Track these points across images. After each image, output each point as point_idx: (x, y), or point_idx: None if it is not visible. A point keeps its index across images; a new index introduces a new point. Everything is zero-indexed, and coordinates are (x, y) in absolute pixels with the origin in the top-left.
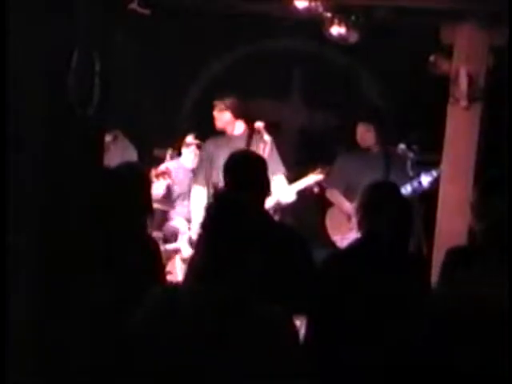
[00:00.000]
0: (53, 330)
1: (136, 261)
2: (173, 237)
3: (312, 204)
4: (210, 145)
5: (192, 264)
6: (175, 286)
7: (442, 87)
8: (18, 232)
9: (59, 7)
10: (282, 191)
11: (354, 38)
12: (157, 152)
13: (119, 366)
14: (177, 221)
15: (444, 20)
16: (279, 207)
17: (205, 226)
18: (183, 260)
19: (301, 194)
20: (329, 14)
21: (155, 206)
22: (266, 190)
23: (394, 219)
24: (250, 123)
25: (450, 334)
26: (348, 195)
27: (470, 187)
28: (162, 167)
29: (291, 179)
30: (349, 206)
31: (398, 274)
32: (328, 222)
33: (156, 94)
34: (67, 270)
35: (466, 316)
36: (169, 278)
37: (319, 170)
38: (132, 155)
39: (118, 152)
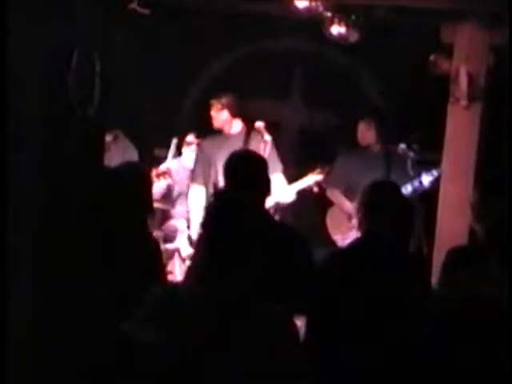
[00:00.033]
0: (53, 329)
1: (136, 260)
2: (173, 236)
3: (312, 203)
4: (207, 144)
5: (193, 263)
6: (176, 286)
7: (443, 87)
8: (18, 232)
9: (59, 7)
10: (281, 191)
11: (354, 37)
12: (157, 152)
13: (119, 366)
14: (177, 220)
15: (444, 19)
16: (279, 207)
17: (205, 225)
18: (182, 259)
19: (301, 193)
20: (329, 14)
21: (156, 205)
22: (266, 189)
23: (395, 219)
24: (247, 122)
25: (450, 334)
26: (348, 195)
27: (471, 187)
28: (163, 167)
29: (291, 179)
30: (349, 206)
31: (398, 273)
32: (329, 222)
33: (156, 94)
34: (67, 269)
35: (466, 316)
36: (169, 277)
37: (319, 170)
38: (133, 155)
39: (119, 152)
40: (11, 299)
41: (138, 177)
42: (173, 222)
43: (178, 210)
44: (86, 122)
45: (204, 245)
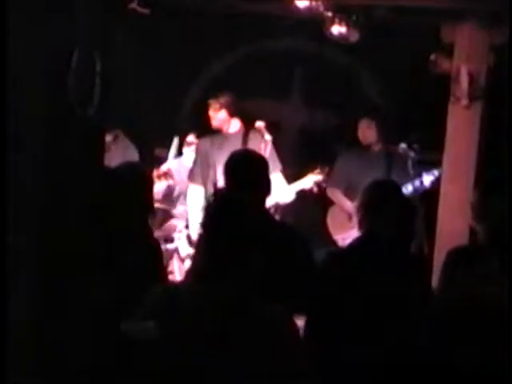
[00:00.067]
0: (53, 329)
1: (137, 260)
2: (174, 236)
3: (313, 203)
4: (205, 143)
5: (193, 263)
6: (176, 286)
7: (443, 86)
8: (18, 232)
9: (59, 7)
10: (280, 191)
11: (354, 37)
12: (158, 152)
13: (119, 366)
14: (177, 220)
15: (444, 19)
16: (278, 207)
17: (206, 225)
18: (181, 259)
19: (301, 193)
20: (329, 14)
21: (156, 205)
22: (267, 189)
23: (395, 219)
24: (247, 121)
25: (450, 334)
26: (349, 194)
27: (471, 186)
28: (164, 168)
29: (291, 179)
30: (350, 205)
31: (399, 273)
32: (329, 221)
33: (156, 94)
34: (67, 269)
35: (466, 316)
36: (170, 277)
37: (318, 170)
38: (133, 155)
39: (119, 152)
40: (11, 299)
41: (139, 177)
42: (173, 222)
43: (178, 210)
44: (86, 122)
45: (204, 245)
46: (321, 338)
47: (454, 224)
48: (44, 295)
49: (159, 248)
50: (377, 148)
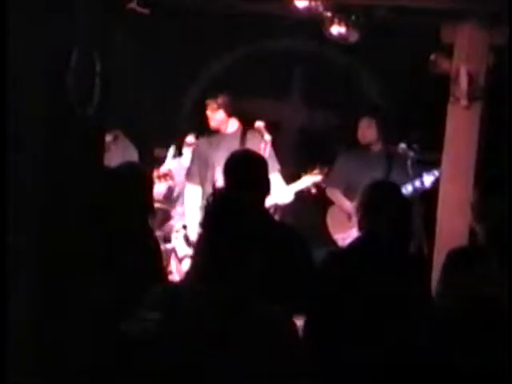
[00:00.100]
0: (53, 329)
1: (137, 260)
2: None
3: (312, 203)
4: (203, 143)
5: (193, 263)
6: (176, 286)
7: (443, 86)
8: (18, 232)
9: (59, 7)
10: (279, 192)
11: (354, 37)
12: (157, 152)
13: (119, 366)
14: (176, 220)
15: (444, 19)
16: (277, 207)
17: (205, 225)
18: (179, 260)
19: (300, 193)
20: (329, 14)
21: (156, 205)
22: (266, 189)
23: (394, 219)
24: (246, 121)
25: (450, 334)
26: (348, 194)
27: (471, 186)
28: (164, 169)
29: (291, 179)
30: (349, 205)
31: (398, 273)
32: (329, 221)
33: (156, 94)
34: (67, 269)
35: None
36: (169, 277)
37: (317, 171)
38: (133, 155)
39: (119, 152)
40: (11, 299)
41: (139, 177)
42: (173, 223)
43: (176, 210)
44: (86, 121)
45: (204, 245)
46: (320, 338)
47: (453, 224)
48: (44, 295)
49: (159, 248)
50: (376, 148)
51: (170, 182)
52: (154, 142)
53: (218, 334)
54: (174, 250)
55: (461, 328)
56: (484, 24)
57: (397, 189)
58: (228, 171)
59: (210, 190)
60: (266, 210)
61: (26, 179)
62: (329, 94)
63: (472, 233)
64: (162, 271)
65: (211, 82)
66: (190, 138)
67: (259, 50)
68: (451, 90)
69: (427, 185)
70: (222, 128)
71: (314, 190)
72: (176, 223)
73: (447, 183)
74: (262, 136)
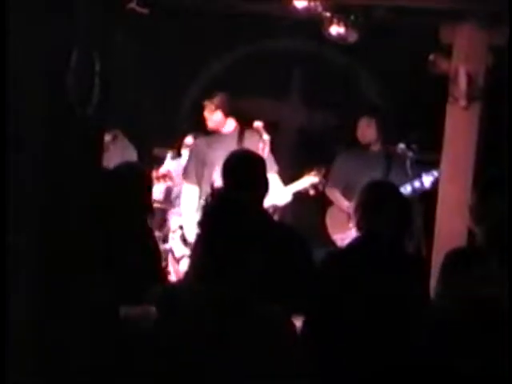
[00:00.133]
0: (53, 329)
1: (136, 260)
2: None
3: (312, 203)
4: (200, 143)
5: (192, 263)
6: (175, 286)
7: (442, 87)
8: (18, 232)
9: (59, 7)
10: (277, 193)
11: (353, 37)
12: (157, 152)
13: (119, 366)
14: (173, 220)
15: (443, 20)
16: (276, 208)
17: (204, 225)
18: (176, 260)
19: (298, 194)
20: (328, 14)
21: (155, 205)
22: (265, 189)
23: (394, 219)
24: (244, 121)
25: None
26: (346, 194)
27: (470, 187)
28: (163, 170)
29: (290, 179)
30: (347, 205)
31: (397, 274)
32: (328, 221)
33: (155, 94)
34: (67, 270)
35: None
36: (169, 277)
37: (314, 172)
38: (132, 155)
39: (118, 152)
40: (11, 299)
41: (138, 177)
42: (169, 223)
43: (176, 210)
44: (86, 122)
45: (203, 245)
46: (319, 337)
47: (452, 224)
48: (44, 295)
49: (158, 248)
50: (375, 148)
51: (170, 183)
52: (153, 142)
53: (216, 333)
54: (171, 251)
55: (459, 328)
56: (483, 24)
57: (395, 189)
58: (227, 171)
59: (206, 189)
60: (265, 210)
61: (26, 179)
62: (328, 94)
63: (471, 233)
64: (161, 271)
65: (211, 81)
66: (189, 140)
67: (259, 50)
68: (450, 91)
69: (426, 185)
70: (220, 128)
71: (312, 192)
72: (172, 223)
73: (446, 183)
74: (261, 136)
